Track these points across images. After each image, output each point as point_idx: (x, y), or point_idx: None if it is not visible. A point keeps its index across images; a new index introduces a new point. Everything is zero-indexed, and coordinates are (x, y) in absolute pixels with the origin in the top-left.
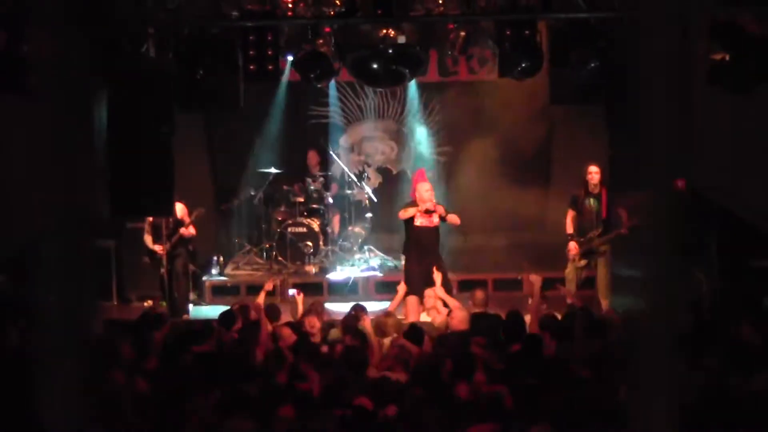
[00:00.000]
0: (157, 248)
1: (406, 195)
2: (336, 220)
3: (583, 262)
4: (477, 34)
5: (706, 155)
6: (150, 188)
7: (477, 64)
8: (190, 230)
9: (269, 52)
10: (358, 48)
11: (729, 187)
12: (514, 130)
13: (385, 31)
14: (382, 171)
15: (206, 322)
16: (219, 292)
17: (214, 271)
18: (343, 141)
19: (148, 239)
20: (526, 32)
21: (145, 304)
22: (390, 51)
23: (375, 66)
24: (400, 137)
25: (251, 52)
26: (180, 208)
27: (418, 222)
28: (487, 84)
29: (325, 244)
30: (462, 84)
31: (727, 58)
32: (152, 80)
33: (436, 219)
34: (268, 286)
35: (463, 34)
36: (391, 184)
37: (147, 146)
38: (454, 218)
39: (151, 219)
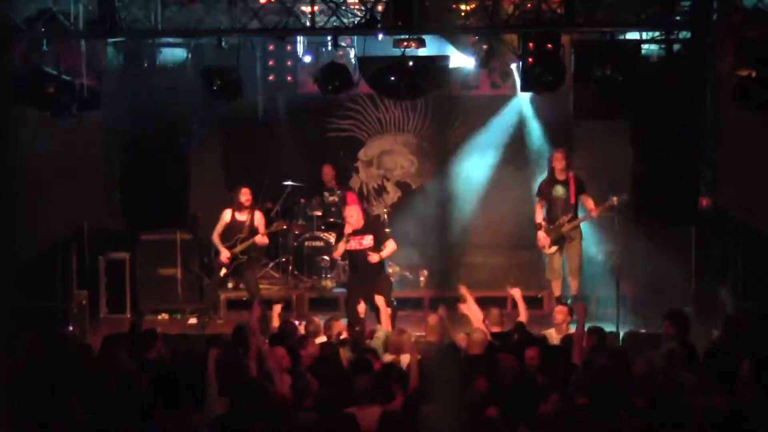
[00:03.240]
0: (223, 253)
1: (425, 210)
2: None
3: (553, 249)
4: (499, 48)
5: (732, 173)
6: (166, 200)
7: (499, 78)
8: (264, 239)
9: (288, 63)
10: (378, 60)
11: (755, 205)
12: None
13: (405, 43)
14: (402, 185)
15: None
16: (234, 306)
17: (229, 285)
18: (362, 154)
19: (216, 239)
20: (549, 46)
21: (159, 317)
22: (410, 63)
23: (395, 78)
24: (419, 151)
25: (270, 63)
26: (258, 217)
27: (350, 246)
28: (508, 98)
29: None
30: (483, 98)
31: (753, 74)
32: (169, 91)
33: (366, 242)
34: (277, 309)
35: (485, 47)
36: (411, 198)
37: (163, 157)
38: (389, 248)
39: (228, 220)
